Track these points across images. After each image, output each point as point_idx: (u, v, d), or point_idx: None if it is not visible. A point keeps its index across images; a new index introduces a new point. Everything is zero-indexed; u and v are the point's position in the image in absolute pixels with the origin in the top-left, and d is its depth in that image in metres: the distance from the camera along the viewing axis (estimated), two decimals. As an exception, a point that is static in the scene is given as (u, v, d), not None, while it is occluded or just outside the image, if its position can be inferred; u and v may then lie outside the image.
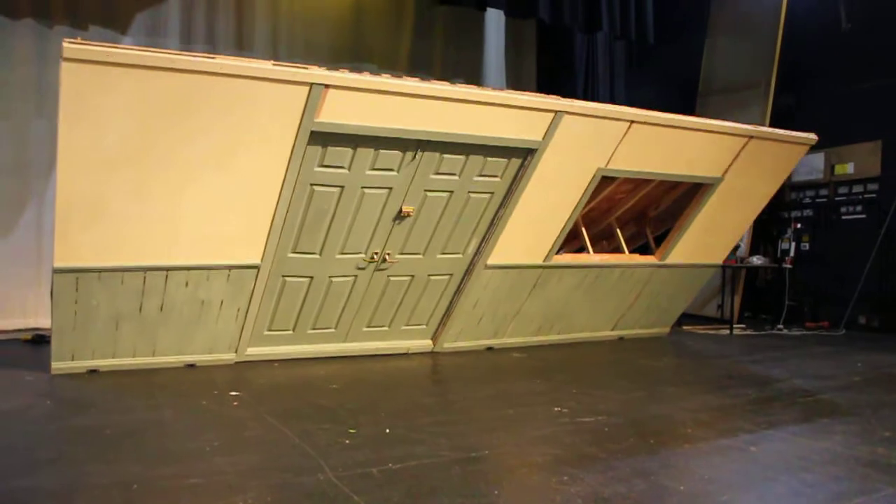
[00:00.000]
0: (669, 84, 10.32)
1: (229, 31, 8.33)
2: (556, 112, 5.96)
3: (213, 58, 4.89)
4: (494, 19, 9.98)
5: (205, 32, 8.24)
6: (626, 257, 7.54)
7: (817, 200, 9.69)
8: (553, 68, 10.06)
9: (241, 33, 8.43)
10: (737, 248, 9.13)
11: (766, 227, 9.97)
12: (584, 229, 7.42)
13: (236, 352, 6.08)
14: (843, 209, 9.39)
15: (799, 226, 9.70)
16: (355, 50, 9.04)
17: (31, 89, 7.46)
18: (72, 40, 4.52)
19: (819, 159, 9.61)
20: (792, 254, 9.50)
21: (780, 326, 8.99)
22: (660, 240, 7.94)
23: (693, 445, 4.09)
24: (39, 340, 6.79)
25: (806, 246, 9.63)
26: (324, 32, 8.75)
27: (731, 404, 5.13)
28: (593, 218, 7.95)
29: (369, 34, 9.17)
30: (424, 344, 6.91)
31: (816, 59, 9.64)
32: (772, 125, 9.25)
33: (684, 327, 9.05)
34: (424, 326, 6.84)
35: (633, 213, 8.19)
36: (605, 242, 8.42)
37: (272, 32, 8.55)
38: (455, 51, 9.64)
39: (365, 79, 5.21)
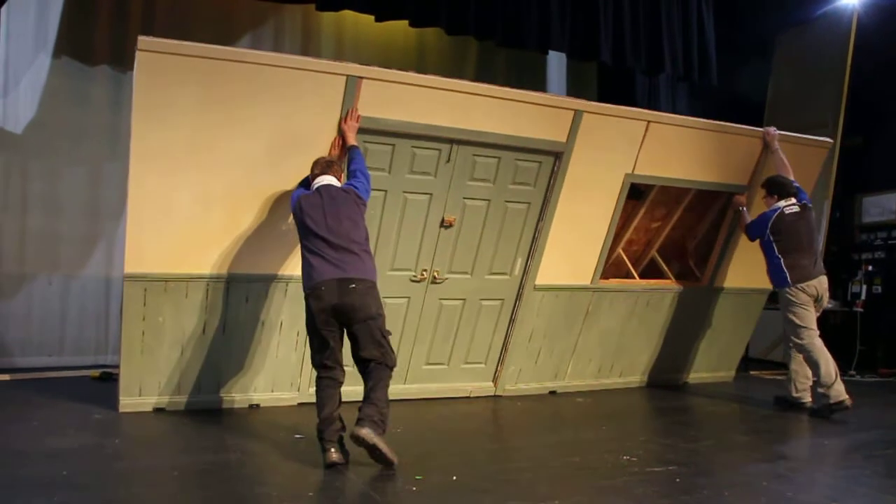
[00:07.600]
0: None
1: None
2: (575, 111, 6.24)
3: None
4: (556, 61, 10.01)
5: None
6: (673, 282, 7.55)
7: (889, 242, 9.41)
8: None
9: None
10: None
11: (836, 270, 9.69)
12: (627, 259, 7.59)
13: (298, 390, 6.10)
14: (918, 251, 9.09)
15: (870, 268, 9.39)
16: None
17: (105, 134, 7.71)
18: (146, 37, 4.88)
19: (890, 200, 9.36)
20: (863, 297, 9.18)
21: (852, 373, 8.66)
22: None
23: (771, 500, 3.95)
24: (107, 377, 6.90)
25: (878, 289, 9.31)
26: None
27: (807, 455, 4.96)
28: (635, 252, 7.97)
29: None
30: (485, 386, 6.85)
31: (886, 98, 9.42)
32: (840, 166, 9.07)
33: (751, 372, 8.81)
34: (483, 365, 6.80)
35: (674, 248, 8.12)
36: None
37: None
38: (516, 92, 9.66)
39: (394, 72, 5.63)
